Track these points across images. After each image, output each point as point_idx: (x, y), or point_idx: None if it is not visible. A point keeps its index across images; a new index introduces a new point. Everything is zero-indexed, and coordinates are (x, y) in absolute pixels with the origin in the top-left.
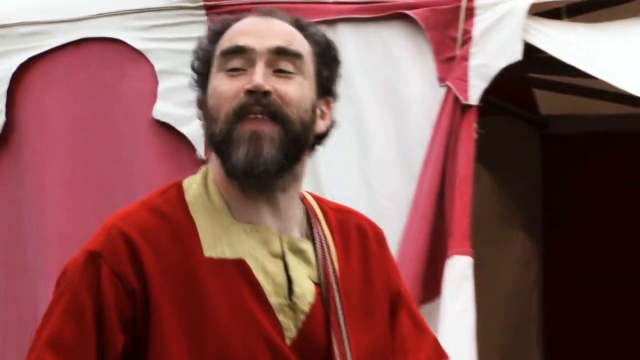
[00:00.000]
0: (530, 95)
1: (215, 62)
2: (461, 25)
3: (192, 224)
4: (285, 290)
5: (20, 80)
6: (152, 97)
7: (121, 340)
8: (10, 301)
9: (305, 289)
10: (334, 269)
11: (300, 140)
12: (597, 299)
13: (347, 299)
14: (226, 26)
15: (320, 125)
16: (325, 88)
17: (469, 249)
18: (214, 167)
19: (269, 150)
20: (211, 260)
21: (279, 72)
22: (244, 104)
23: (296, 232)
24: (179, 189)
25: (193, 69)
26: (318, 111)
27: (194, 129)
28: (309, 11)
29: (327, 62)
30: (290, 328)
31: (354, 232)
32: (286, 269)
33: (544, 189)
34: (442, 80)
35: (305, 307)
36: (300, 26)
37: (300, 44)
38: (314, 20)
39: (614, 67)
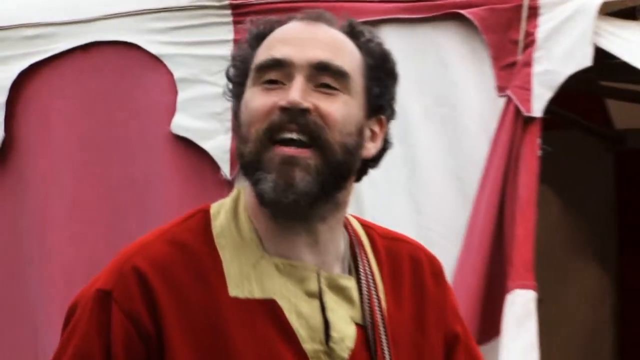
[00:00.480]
0: (602, 106)
1: (251, 75)
2: (523, 26)
3: (217, 259)
4: (321, 334)
5: (21, 90)
6: (171, 109)
7: None
8: (7, 347)
9: (345, 333)
10: (380, 308)
11: (342, 168)
12: None
13: (396, 343)
14: (268, 30)
15: (370, 149)
16: (377, 106)
17: (532, 282)
18: (246, 190)
19: (303, 180)
20: (237, 300)
21: (322, 88)
22: (277, 122)
23: (337, 266)
24: (205, 216)
25: (228, 77)
26: (367, 133)
27: (217, 145)
28: (349, 11)
29: (381, 77)
30: None
31: (406, 264)
32: (323, 310)
33: (619, 212)
34: (501, 89)
35: (345, 354)
36: (352, 32)
37: (349, 57)
38: None
39: None
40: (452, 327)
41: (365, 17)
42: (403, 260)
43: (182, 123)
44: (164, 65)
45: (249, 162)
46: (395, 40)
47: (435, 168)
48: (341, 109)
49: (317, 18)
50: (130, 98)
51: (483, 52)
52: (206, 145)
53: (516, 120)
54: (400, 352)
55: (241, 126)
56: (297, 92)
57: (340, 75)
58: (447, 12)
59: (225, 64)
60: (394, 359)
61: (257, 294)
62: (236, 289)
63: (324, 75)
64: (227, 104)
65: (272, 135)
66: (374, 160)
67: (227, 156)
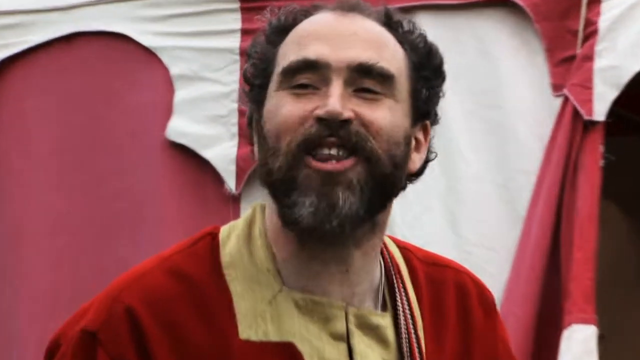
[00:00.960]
0: None
1: (276, 77)
2: (583, 14)
3: (226, 293)
4: None
5: None
6: (167, 111)
7: None
8: None
9: None
10: (419, 349)
11: (389, 182)
12: None
13: None
14: (292, 22)
15: (415, 161)
16: (424, 111)
17: (593, 315)
18: (265, 210)
19: (347, 200)
20: (249, 343)
21: (363, 92)
22: (314, 134)
23: (370, 299)
24: (212, 240)
25: (246, 78)
26: (413, 142)
27: (221, 154)
28: None
29: (428, 76)
30: None
31: (451, 294)
32: (350, 354)
33: None
34: (557, 88)
35: None
36: (390, 24)
37: (393, 55)
38: None
39: None
40: None
41: (398, 3)
42: (447, 290)
43: (180, 127)
44: (159, 60)
45: (279, 181)
46: (432, 31)
47: (478, 179)
48: (387, 116)
49: (352, 8)
50: (119, 98)
51: (536, 44)
52: (207, 154)
53: (575, 125)
54: None
55: (266, 138)
56: (337, 99)
57: (385, 78)
58: None
59: (231, 58)
60: None
61: (273, 336)
62: (248, 329)
63: (366, 79)
64: (232, 106)
65: (308, 150)
66: (417, 175)
67: (233, 167)
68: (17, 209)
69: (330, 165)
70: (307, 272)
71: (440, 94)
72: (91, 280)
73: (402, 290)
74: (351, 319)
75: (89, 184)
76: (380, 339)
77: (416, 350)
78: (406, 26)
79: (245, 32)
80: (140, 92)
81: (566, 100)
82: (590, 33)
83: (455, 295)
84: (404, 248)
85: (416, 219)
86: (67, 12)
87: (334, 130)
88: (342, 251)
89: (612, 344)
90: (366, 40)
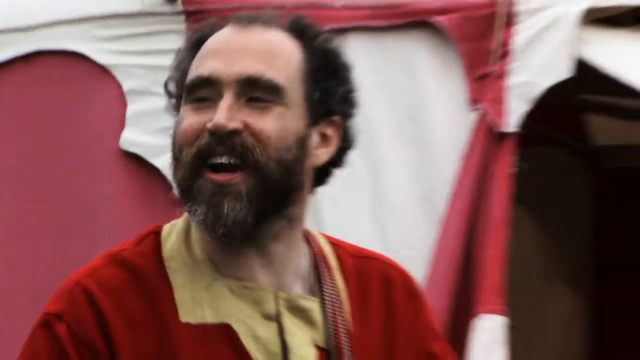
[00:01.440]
0: (581, 121)
1: (184, 92)
2: (498, 35)
3: (168, 283)
4: (280, 359)
5: None
6: (120, 123)
7: None
8: None
9: (306, 357)
10: (346, 330)
11: (281, 187)
12: None
13: None
14: (207, 34)
15: (320, 155)
16: (324, 110)
17: (501, 306)
18: None
19: (233, 209)
20: (189, 326)
21: (254, 102)
22: (205, 146)
23: (298, 286)
24: (156, 238)
25: (166, 90)
26: (315, 140)
27: (169, 162)
28: (311, 18)
29: (324, 78)
30: None
31: (376, 283)
32: (281, 333)
33: (595, 233)
34: (474, 102)
35: None
36: (297, 30)
37: (284, 64)
38: None
39: None
40: (428, 347)
41: (329, 25)
42: (372, 279)
43: (132, 138)
44: (113, 76)
45: (182, 190)
46: (361, 51)
47: (401, 187)
48: (275, 123)
49: (252, 21)
50: (76, 111)
51: (455, 63)
52: (157, 162)
53: (489, 136)
54: None
55: (173, 148)
56: (222, 113)
57: (272, 88)
58: (417, 19)
59: None
60: None
61: (211, 318)
62: (188, 314)
63: (255, 90)
64: None
65: (201, 161)
66: (333, 164)
67: None
68: None
69: (222, 177)
70: (235, 263)
71: (346, 90)
72: (46, 284)
73: (328, 278)
74: (281, 302)
75: (46, 192)
76: (309, 321)
77: (341, 330)
78: (313, 32)
79: None
80: (96, 106)
81: (482, 114)
82: (505, 52)
83: (380, 285)
84: (334, 244)
85: (346, 223)
86: (27, 33)
87: (222, 140)
88: (262, 245)
89: (522, 332)
90: (258, 53)
